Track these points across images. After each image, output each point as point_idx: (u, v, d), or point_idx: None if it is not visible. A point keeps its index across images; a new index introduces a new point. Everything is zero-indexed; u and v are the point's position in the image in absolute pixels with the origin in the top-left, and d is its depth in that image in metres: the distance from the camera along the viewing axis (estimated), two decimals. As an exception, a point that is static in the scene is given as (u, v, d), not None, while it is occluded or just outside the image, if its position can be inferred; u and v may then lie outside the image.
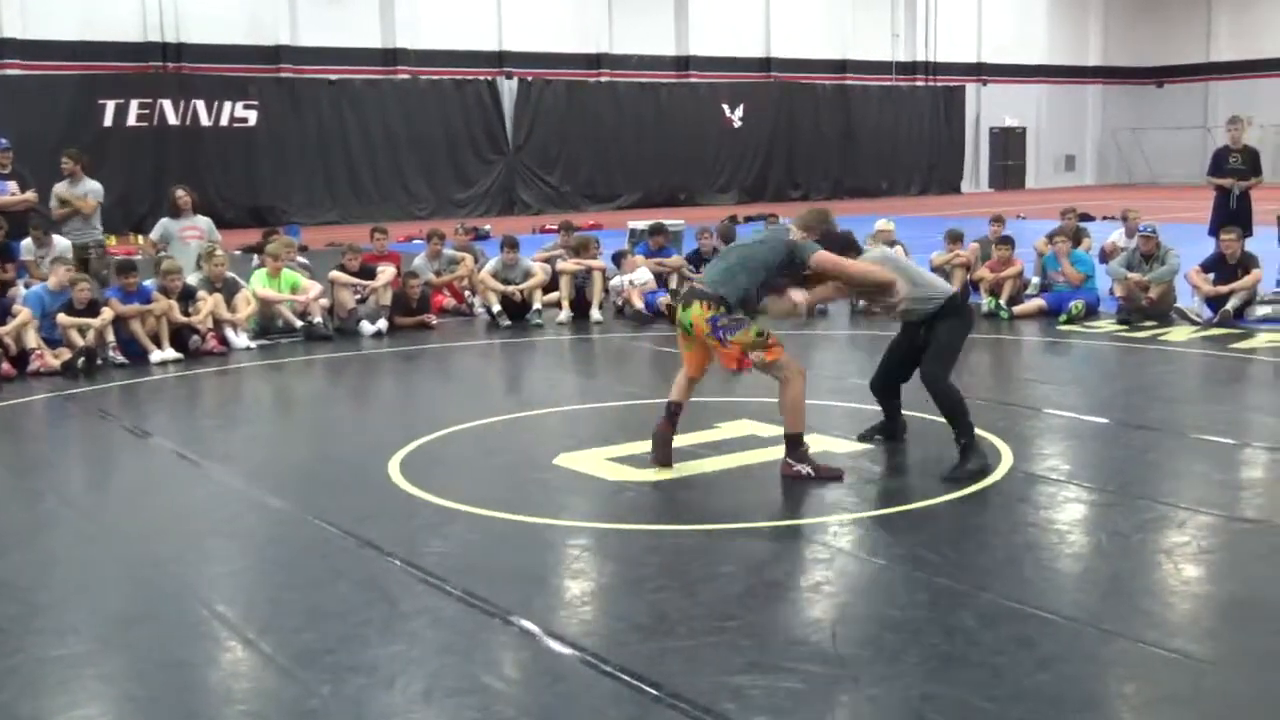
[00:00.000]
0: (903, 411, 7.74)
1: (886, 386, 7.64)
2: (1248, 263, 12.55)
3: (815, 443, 7.61)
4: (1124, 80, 50.63)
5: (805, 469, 6.87)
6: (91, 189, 13.40)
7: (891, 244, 14.16)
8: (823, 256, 7.03)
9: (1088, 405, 9.09)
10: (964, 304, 7.47)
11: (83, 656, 4.72)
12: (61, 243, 13.13)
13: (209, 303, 12.06)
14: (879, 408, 7.74)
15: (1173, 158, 47.19)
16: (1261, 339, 11.46)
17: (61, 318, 11.16)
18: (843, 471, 6.94)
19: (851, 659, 4.54)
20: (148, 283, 12.05)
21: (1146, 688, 4.27)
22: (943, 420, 7.06)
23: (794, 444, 6.93)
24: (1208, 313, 12.41)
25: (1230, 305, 12.25)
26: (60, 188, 13.33)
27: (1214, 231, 13.91)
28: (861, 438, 7.74)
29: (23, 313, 11.08)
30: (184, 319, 11.76)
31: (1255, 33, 47.07)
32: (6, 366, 10.70)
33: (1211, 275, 12.65)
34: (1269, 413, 8.96)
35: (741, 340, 6.87)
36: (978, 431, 7.02)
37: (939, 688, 4.23)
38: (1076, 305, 12.76)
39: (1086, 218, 22.04)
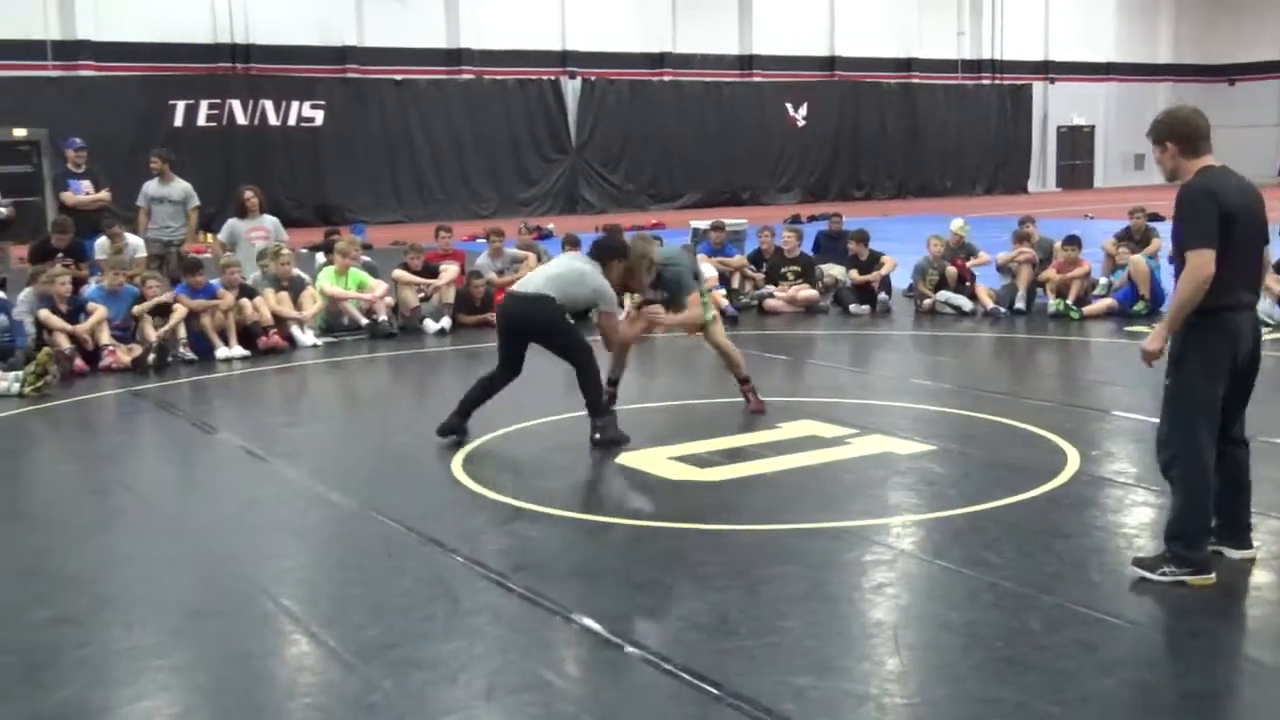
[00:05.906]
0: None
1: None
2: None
3: (878, 444, 7.58)
4: (1195, 78, 49.77)
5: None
6: (182, 188, 13.59)
7: (962, 245, 14.12)
8: None
9: (1157, 407, 8.91)
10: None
11: (150, 649, 4.79)
12: (135, 241, 13.30)
13: (271, 299, 12.20)
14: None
15: (1244, 156, 46.07)
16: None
17: (137, 309, 11.41)
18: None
19: (913, 662, 4.51)
20: (214, 281, 12.22)
21: (1212, 694, 4.20)
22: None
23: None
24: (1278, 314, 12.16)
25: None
26: (150, 186, 13.53)
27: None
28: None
29: (98, 310, 11.25)
30: (251, 317, 11.91)
31: (1330, 29, 46.18)
32: (79, 363, 10.89)
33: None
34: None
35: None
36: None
37: (1001, 691, 4.19)
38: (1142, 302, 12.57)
39: (1156, 218, 21.70)
